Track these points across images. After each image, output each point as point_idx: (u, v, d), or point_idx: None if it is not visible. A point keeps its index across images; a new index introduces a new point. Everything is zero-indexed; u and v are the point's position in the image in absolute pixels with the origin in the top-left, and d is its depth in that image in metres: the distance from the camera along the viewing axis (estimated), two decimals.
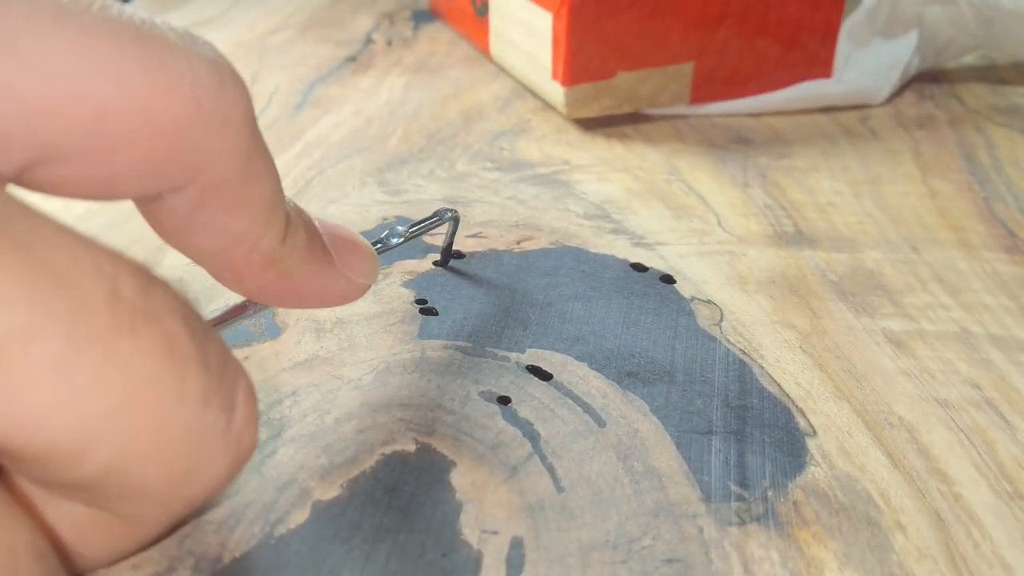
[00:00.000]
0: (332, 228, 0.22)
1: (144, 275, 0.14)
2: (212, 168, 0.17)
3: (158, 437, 0.14)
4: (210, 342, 0.15)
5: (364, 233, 0.32)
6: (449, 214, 0.28)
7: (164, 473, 0.15)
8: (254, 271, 0.19)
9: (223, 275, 0.20)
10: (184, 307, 0.15)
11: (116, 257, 0.14)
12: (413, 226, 0.27)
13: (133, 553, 0.19)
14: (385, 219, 0.33)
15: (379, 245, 0.25)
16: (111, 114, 0.15)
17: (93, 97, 0.15)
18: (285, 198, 0.19)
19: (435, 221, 0.28)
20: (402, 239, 0.26)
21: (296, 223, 0.20)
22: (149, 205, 0.18)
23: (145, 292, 0.14)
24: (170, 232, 0.19)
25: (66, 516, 0.16)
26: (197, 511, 0.20)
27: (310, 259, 0.20)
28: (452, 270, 0.30)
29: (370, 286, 0.22)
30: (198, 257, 0.19)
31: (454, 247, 0.31)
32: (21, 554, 0.14)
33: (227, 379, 0.16)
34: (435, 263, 0.30)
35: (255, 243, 0.19)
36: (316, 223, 0.21)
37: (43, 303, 0.13)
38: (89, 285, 0.13)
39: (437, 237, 0.31)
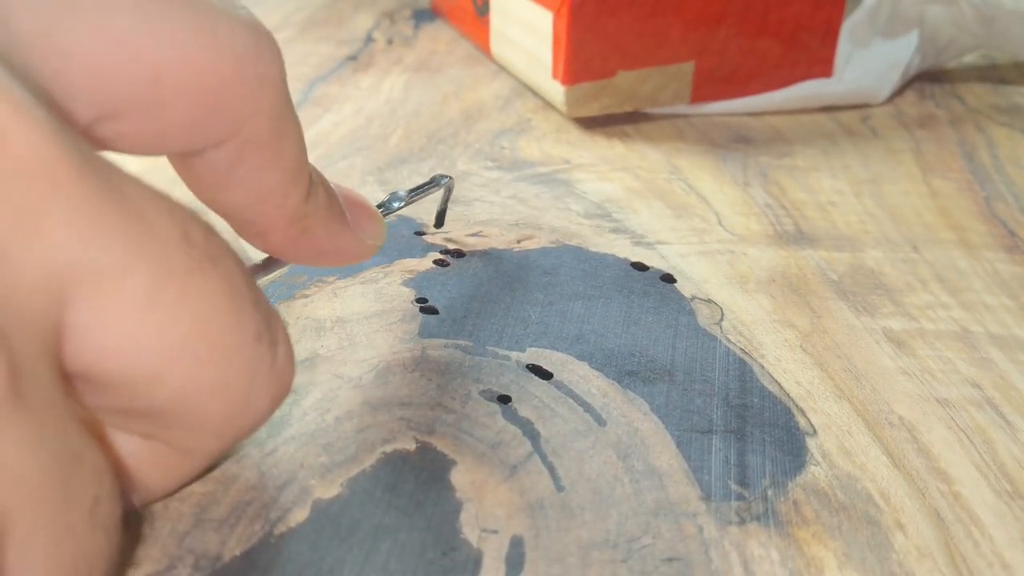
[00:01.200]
0: (346, 191, 0.23)
1: (206, 222, 0.16)
2: (251, 124, 0.18)
3: (221, 367, 0.16)
4: (262, 299, 0.17)
5: None
6: (444, 180, 0.30)
7: (223, 401, 0.16)
8: (280, 227, 0.20)
9: (250, 231, 0.21)
10: (237, 253, 0.17)
11: (183, 205, 0.16)
12: (412, 191, 0.29)
13: (184, 485, 0.20)
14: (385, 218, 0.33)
15: (382, 209, 0.27)
16: (166, 73, 0.16)
17: (152, 59, 0.16)
18: (308, 168, 0.21)
19: (432, 186, 0.29)
20: (403, 203, 0.28)
21: (317, 183, 0.21)
22: (188, 161, 0.19)
23: (208, 236, 0.16)
24: (206, 188, 0.20)
25: (127, 449, 0.17)
26: (236, 447, 0.22)
27: (329, 218, 0.22)
28: (453, 268, 0.30)
29: (379, 248, 0.24)
30: (229, 213, 0.20)
31: (455, 246, 0.31)
32: (105, 474, 0.15)
33: (272, 319, 0.17)
34: (434, 227, 0.32)
35: (283, 199, 0.20)
36: (333, 186, 0.22)
37: (135, 242, 0.14)
38: (167, 228, 0.15)
39: (441, 236, 0.31)
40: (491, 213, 0.34)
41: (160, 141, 0.18)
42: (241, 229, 0.21)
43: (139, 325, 0.15)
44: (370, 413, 0.23)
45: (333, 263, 0.23)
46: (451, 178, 0.30)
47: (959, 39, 0.46)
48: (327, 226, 0.22)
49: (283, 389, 0.18)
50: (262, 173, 0.19)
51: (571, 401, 0.24)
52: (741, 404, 0.24)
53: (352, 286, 0.29)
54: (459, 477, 0.21)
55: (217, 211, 0.20)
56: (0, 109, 0.13)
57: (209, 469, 0.21)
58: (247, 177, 0.19)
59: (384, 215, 0.26)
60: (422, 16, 0.59)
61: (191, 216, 0.16)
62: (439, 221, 0.32)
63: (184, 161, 0.19)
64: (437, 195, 0.31)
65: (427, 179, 0.30)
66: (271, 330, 0.17)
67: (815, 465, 0.22)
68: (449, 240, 0.32)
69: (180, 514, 0.20)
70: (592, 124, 0.42)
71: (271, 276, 0.23)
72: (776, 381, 0.25)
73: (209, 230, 0.16)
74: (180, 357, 0.15)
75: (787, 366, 0.26)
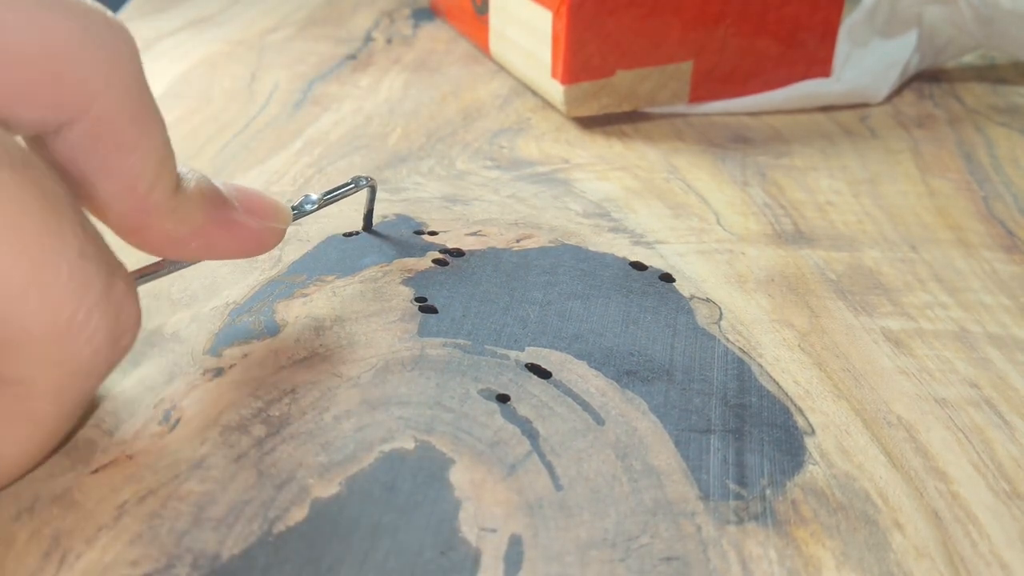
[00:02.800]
0: (233, 185, 0.23)
1: (19, 143, 0.16)
2: (103, 101, 0.18)
3: (34, 272, 0.15)
4: (88, 224, 0.17)
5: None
6: (364, 181, 0.30)
7: (44, 315, 0.16)
8: (153, 221, 0.20)
9: (127, 228, 0.20)
10: (58, 181, 0.16)
11: None
12: (327, 193, 0.28)
13: (43, 455, 0.19)
14: (385, 217, 0.33)
15: (294, 212, 0.26)
16: (5, 31, 0.16)
17: None
18: (175, 161, 0.20)
19: (349, 188, 0.29)
20: (316, 206, 0.27)
21: (188, 177, 0.21)
22: (50, 147, 0.19)
23: (17, 146, 0.15)
24: (74, 179, 0.19)
25: None
26: (92, 408, 0.22)
27: (208, 205, 0.21)
28: (452, 268, 0.30)
29: (284, 231, 0.23)
30: (101, 210, 0.20)
31: (454, 245, 0.31)
32: None
33: (104, 250, 0.17)
34: (362, 230, 0.32)
35: (150, 188, 0.19)
36: (217, 182, 0.22)
37: None
38: None
39: (442, 237, 0.31)
40: (490, 212, 0.34)
41: (3, 111, 0.17)
42: (118, 229, 0.21)
43: None
44: (368, 412, 0.23)
45: (235, 253, 0.23)
46: (371, 179, 0.30)
47: (958, 39, 0.46)
48: (206, 213, 0.21)
49: (125, 325, 0.18)
50: (122, 157, 0.19)
51: (570, 400, 0.24)
52: (739, 404, 0.24)
53: (351, 285, 0.29)
54: (458, 476, 0.21)
55: (92, 212, 0.20)
56: None
57: (70, 437, 0.21)
58: (107, 160, 0.19)
59: (295, 218, 0.26)
60: (421, 15, 0.59)
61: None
62: (366, 223, 0.31)
63: (44, 150, 0.19)
64: (359, 198, 0.30)
65: (346, 181, 0.29)
66: (102, 256, 0.17)
67: (813, 464, 0.22)
68: (447, 240, 0.32)
69: (178, 513, 0.20)
70: (591, 123, 0.42)
71: (168, 275, 0.23)
72: (774, 381, 0.25)
73: (20, 144, 0.16)
74: None
75: (785, 366, 0.26)
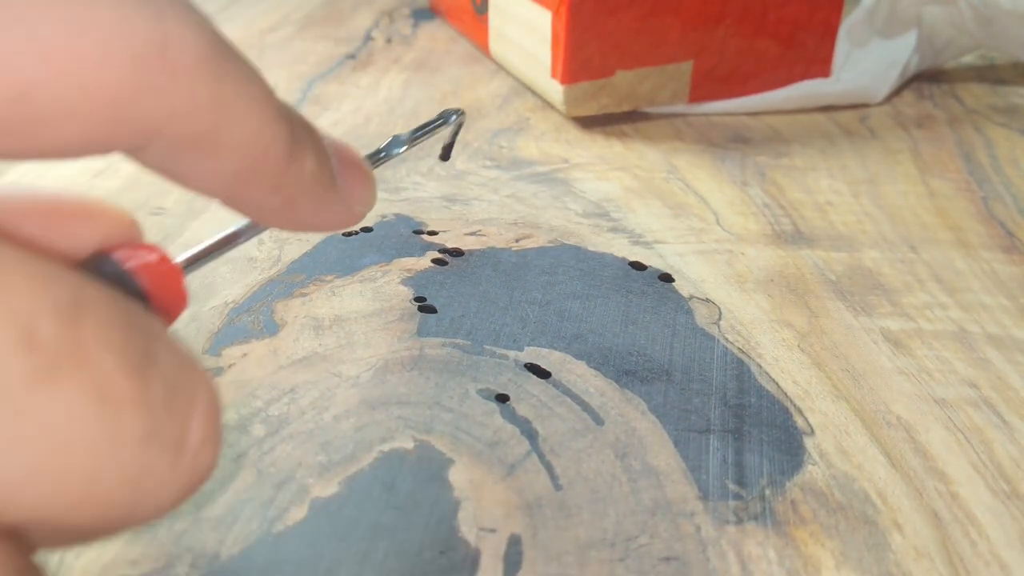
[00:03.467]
0: (338, 146, 0.20)
1: (73, 302, 0.12)
2: (171, 128, 0.15)
3: (89, 485, 0.13)
4: (156, 365, 0.13)
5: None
6: (455, 115, 0.27)
7: (100, 514, 0.13)
8: (256, 201, 0.18)
9: (226, 203, 0.18)
10: (125, 332, 0.13)
11: (37, 283, 0.12)
12: (417, 131, 0.26)
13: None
14: (384, 216, 0.33)
15: (381, 155, 0.25)
16: (37, 90, 0.13)
17: (14, 73, 0.13)
18: (291, 114, 0.18)
19: (439, 123, 0.27)
20: (405, 147, 0.25)
21: (304, 145, 0.18)
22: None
23: (72, 327, 0.12)
24: (163, 175, 0.17)
25: None
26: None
27: (315, 187, 0.19)
28: (451, 267, 0.30)
29: (366, 213, 0.22)
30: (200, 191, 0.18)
31: (453, 245, 0.31)
32: None
33: (178, 405, 0.14)
34: (439, 158, 0.29)
35: (252, 176, 0.17)
36: (325, 142, 0.20)
37: None
38: None
39: (444, 237, 0.31)
40: (489, 212, 0.34)
41: (49, 155, 0.15)
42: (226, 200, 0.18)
43: None
44: (368, 412, 0.23)
45: (312, 229, 0.21)
46: (462, 112, 0.27)
47: (957, 39, 0.46)
48: (312, 196, 0.19)
49: (195, 478, 0.14)
50: (212, 162, 0.16)
51: (569, 400, 0.24)
52: (739, 404, 0.24)
53: (350, 284, 0.29)
54: (457, 476, 0.21)
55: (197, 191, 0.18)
56: None
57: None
58: (196, 168, 0.16)
59: (381, 161, 0.24)
60: (421, 15, 0.59)
61: (46, 300, 0.12)
62: (445, 154, 0.29)
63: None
64: (444, 133, 0.28)
65: (435, 116, 0.27)
66: (173, 422, 0.13)
67: (813, 465, 0.22)
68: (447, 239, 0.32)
69: (178, 512, 0.20)
70: (590, 123, 0.42)
71: (243, 240, 0.20)
72: (774, 381, 0.25)
73: (77, 314, 0.12)
74: (27, 484, 0.12)
75: (785, 366, 0.26)
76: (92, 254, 0.16)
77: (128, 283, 0.16)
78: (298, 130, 0.18)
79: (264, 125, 0.17)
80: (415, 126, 0.26)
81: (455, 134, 0.28)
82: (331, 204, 0.20)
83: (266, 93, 0.17)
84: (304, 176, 0.18)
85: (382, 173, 0.37)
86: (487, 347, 0.26)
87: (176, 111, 0.15)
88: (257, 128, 0.17)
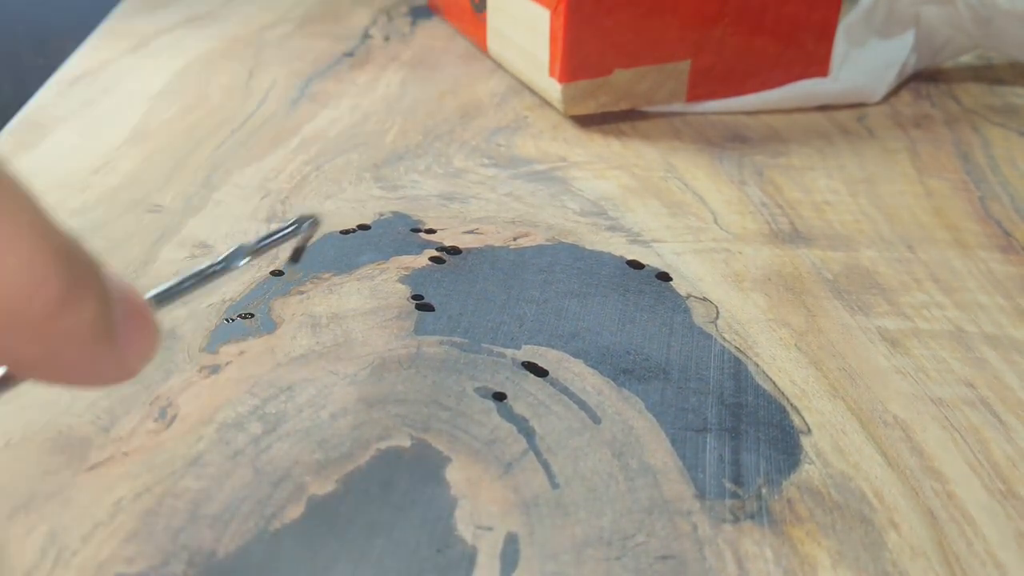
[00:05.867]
0: (124, 291, 0.17)
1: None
2: None
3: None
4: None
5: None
6: (308, 222, 0.25)
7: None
8: (9, 349, 0.15)
9: None
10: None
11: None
12: (265, 238, 0.23)
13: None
14: (381, 214, 0.33)
15: (221, 265, 0.22)
16: None
17: None
18: (73, 252, 0.15)
19: (292, 230, 0.24)
20: (248, 258, 0.22)
21: (84, 291, 0.16)
22: None
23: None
24: None
25: None
26: None
27: (89, 338, 0.16)
28: (449, 265, 0.30)
29: (142, 369, 0.18)
30: None
31: (451, 243, 0.31)
32: None
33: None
34: (288, 260, 0.27)
35: (8, 322, 0.15)
36: (111, 285, 0.17)
37: None
38: None
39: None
40: (487, 210, 0.34)
41: None
42: None
43: None
44: (365, 410, 0.23)
45: (76, 386, 0.18)
46: (316, 217, 0.25)
47: (955, 39, 0.46)
48: (83, 349, 0.16)
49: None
50: None
51: (566, 399, 0.24)
52: (736, 403, 0.24)
53: (348, 283, 0.29)
54: (454, 474, 0.21)
55: None
56: None
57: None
58: None
59: (220, 274, 0.22)
60: (419, 13, 0.59)
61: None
62: (295, 256, 0.26)
63: None
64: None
65: (289, 221, 0.24)
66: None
67: (809, 464, 0.22)
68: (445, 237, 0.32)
69: (174, 510, 0.20)
70: (589, 122, 0.42)
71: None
72: (771, 380, 0.25)
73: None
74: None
75: (782, 365, 0.26)
76: None
77: None
78: (79, 272, 0.16)
79: (29, 267, 0.14)
80: (264, 233, 0.24)
81: (308, 238, 0.26)
82: (104, 358, 0.17)
83: (38, 230, 0.15)
84: (78, 326, 0.16)
85: (379, 170, 0.37)
86: (484, 345, 0.26)
87: None
88: (18, 269, 0.14)
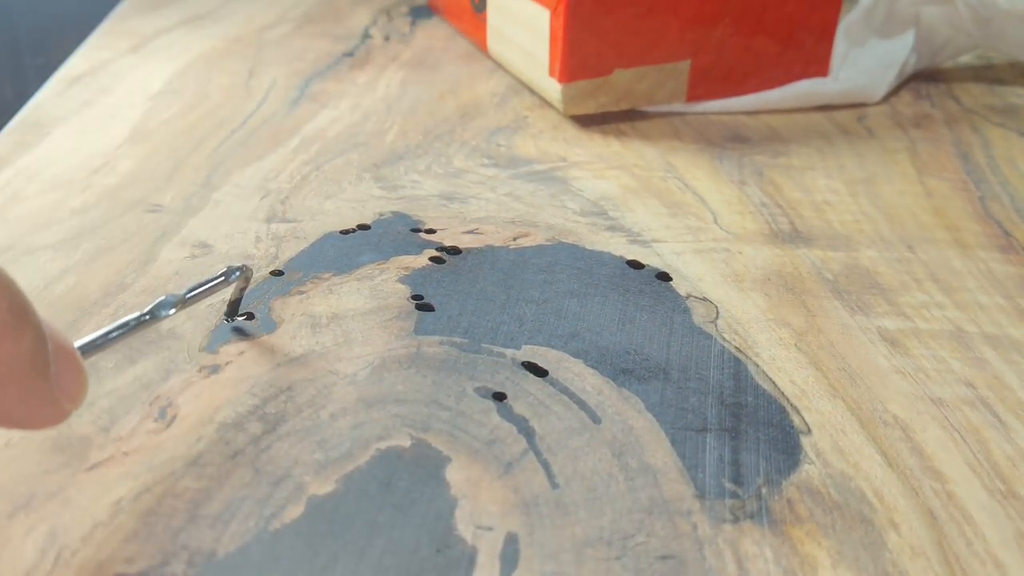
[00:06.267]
0: (54, 334, 0.18)
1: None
2: None
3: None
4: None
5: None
6: (236, 274, 0.25)
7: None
8: None
9: None
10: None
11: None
12: (192, 289, 0.23)
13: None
14: (381, 214, 0.33)
15: (147, 317, 0.22)
16: None
17: None
18: (9, 288, 0.16)
19: (220, 282, 0.24)
20: (174, 309, 0.22)
21: (22, 326, 0.16)
22: None
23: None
24: None
25: None
26: None
27: (27, 373, 0.16)
28: (449, 265, 0.30)
29: (72, 413, 0.18)
30: None
31: (451, 243, 0.31)
32: None
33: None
34: (224, 316, 0.27)
35: None
36: (44, 328, 0.17)
37: None
38: None
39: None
40: (487, 210, 0.34)
41: None
42: None
43: None
44: (365, 410, 0.23)
45: (10, 426, 0.18)
46: (246, 268, 0.25)
47: (955, 39, 0.46)
48: (21, 384, 0.16)
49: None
50: None
51: (566, 399, 0.24)
52: (736, 402, 0.24)
53: (348, 282, 0.29)
54: (454, 474, 0.21)
55: None
56: None
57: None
58: None
59: (145, 325, 0.22)
60: (419, 13, 0.59)
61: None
62: (231, 310, 0.27)
63: None
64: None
65: (218, 272, 0.25)
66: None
67: (809, 464, 0.22)
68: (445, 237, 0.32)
69: (174, 510, 0.20)
70: (588, 122, 0.42)
71: None
72: (771, 380, 0.25)
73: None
74: None
75: (782, 365, 0.26)
76: None
77: None
78: (18, 303, 0.16)
79: None
80: (192, 284, 0.24)
81: (242, 289, 0.26)
82: (38, 395, 0.17)
83: None
84: (16, 358, 0.16)
85: (379, 170, 0.37)
86: (484, 345, 0.26)
87: None
88: None
